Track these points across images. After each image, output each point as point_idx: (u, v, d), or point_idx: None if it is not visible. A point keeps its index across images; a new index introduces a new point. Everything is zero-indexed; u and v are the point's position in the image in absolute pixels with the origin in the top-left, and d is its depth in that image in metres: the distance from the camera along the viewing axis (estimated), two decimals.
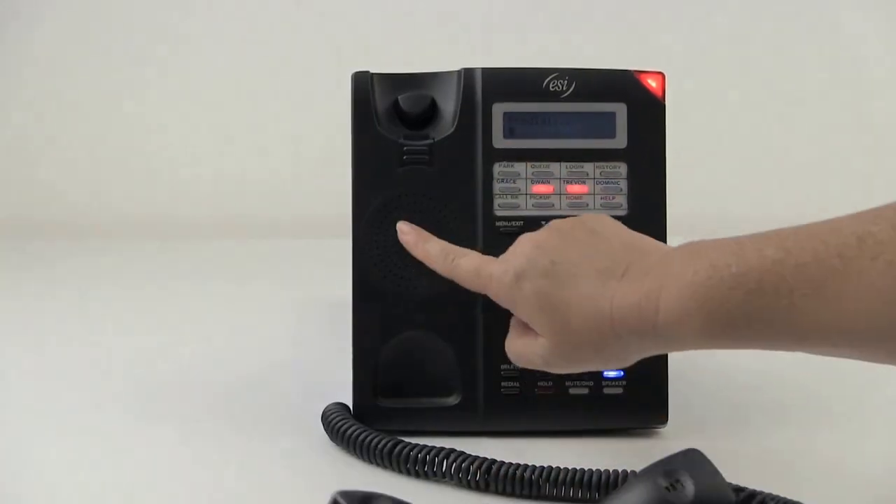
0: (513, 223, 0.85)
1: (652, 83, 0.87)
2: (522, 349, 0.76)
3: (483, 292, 0.78)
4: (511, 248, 0.77)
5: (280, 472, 0.78)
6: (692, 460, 0.62)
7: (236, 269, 1.74)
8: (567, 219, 0.77)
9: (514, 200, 0.85)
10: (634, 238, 0.74)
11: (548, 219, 0.85)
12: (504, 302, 0.76)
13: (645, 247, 0.72)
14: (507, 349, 0.79)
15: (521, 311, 0.74)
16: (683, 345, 0.68)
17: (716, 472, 0.62)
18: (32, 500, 0.74)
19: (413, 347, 0.85)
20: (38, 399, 0.98)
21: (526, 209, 0.86)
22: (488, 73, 0.86)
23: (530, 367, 0.77)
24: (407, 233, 0.83)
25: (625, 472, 0.72)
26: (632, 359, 0.71)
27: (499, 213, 0.85)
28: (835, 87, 2.22)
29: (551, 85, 0.86)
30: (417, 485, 0.76)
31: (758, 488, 0.71)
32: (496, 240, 0.85)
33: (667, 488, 0.59)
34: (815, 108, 2.21)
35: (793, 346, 0.64)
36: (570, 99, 0.86)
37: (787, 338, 0.64)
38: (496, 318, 0.84)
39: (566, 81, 0.86)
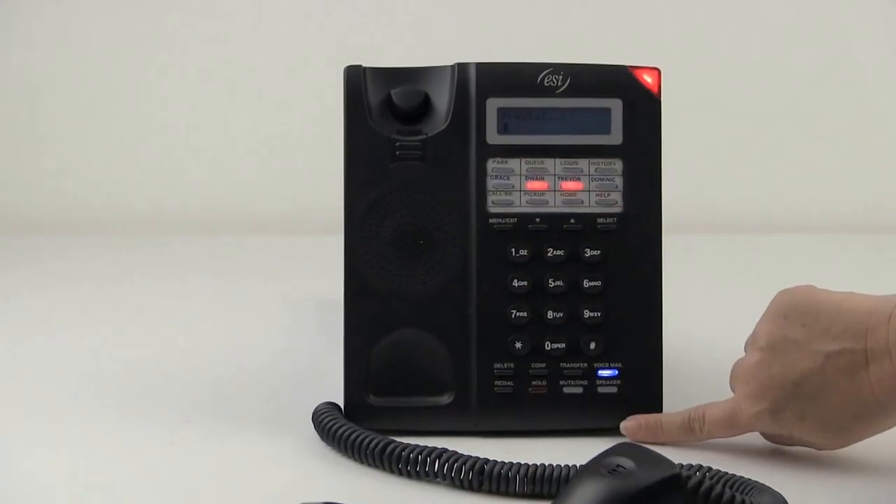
0: (506, 220, 0.84)
1: (647, 79, 0.86)
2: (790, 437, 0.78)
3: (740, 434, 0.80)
4: (742, 385, 0.78)
5: (270, 472, 0.78)
6: (626, 448, 0.64)
7: (226, 266, 1.73)
8: (763, 326, 0.78)
9: (507, 197, 0.85)
10: (834, 304, 0.74)
11: (542, 216, 0.84)
12: (770, 436, 0.79)
13: (854, 307, 0.72)
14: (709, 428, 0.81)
15: (789, 435, 0.77)
16: None
17: (653, 452, 0.63)
18: (18, 500, 0.73)
19: (405, 346, 0.84)
20: (20, 397, 0.97)
21: (520, 206, 0.85)
22: (482, 67, 0.85)
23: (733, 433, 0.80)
24: (634, 430, 0.83)
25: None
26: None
27: (492, 209, 0.84)
28: (832, 84, 2.22)
29: (546, 80, 0.85)
30: (409, 485, 0.75)
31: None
32: (489, 237, 0.84)
33: (610, 472, 0.60)
34: (811, 104, 2.21)
35: None
36: (564, 94, 0.85)
37: None
38: (490, 317, 0.84)
39: (561, 77, 0.85)
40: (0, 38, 2.30)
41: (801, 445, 0.78)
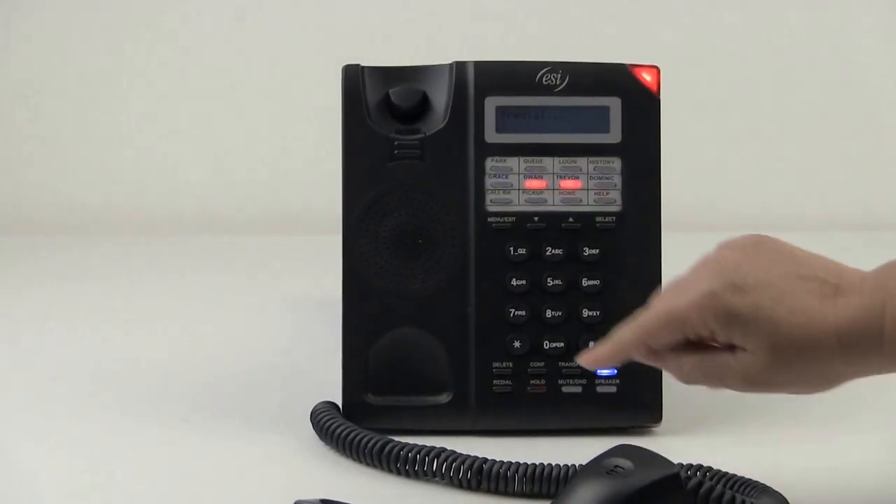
0: (505, 219, 0.84)
1: (646, 77, 0.86)
2: (714, 366, 0.68)
3: (682, 331, 0.68)
4: (689, 275, 0.68)
5: (268, 471, 0.77)
6: (626, 449, 0.64)
7: (224, 266, 1.73)
8: (736, 238, 0.71)
9: (506, 196, 0.84)
10: (818, 256, 0.69)
11: (541, 215, 0.84)
12: (703, 325, 0.67)
13: (837, 265, 0.67)
14: (686, 371, 0.70)
15: (727, 328, 0.66)
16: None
17: (653, 452, 0.63)
18: (16, 499, 0.73)
19: (404, 345, 0.84)
20: (20, 396, 0.97)
21: (518, 204, 0.84)
22: (480, 66, 0.85)
23: (720, 386, 0.69)
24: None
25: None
26: (841, 380, 0.67)
27: (491, 208, 0.84)
28: (833, 82, 2.21)
29: (544, 79, 0.85)
30: (407, 484, 0.74)
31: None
32: (488, 236, 0.84)
33: (609, 472, 0.60)
34: (812, 102, 2.20)
35: None
36: (563, 93, 0.85)
37: None
38: (488, 316, 0.84)
39: (559, 75, 0.85)
40: None
41: (722, 376, 0.69)
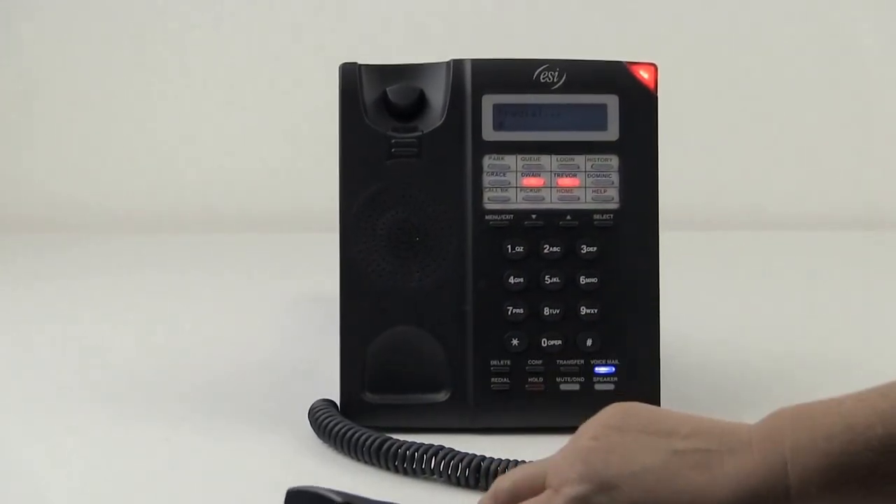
0: (503, 217, 0.84)
1: (644, 74, 0.86)
2: None
3: None
4: (553, 470, 0.60)
5: (265, 469, 0.77)
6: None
7: (222, 265, 1.73)
8: (598, 417, 0.62)
9: (503, 194, 0.84)
10: (693, 418, 0.61)
11: (538, 212, 0.84)
12: None
13: (715, 424, 0.60)
14: None
15: None
16: None
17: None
18: (13, 497, 0.73)
19: (402, 343, 0.84)
20: (17, 393, 0.97)
21: (516, 202, 0.84)
22: (478, 64, 0.85)
23: None
24: None
25: None
26: None
27: (488, 206, 0.84)
28: (830, 79, 2.21)
29: (542, 76, 0.85)
30: (405, 482, 0.74)
31: None
32: (485, 234, 0.84)
33: None
34: (809, 99, 2.20)
35: None
36: (560, 90, 0.85)
37: None
38: (486, 314, 0.84)
39: (557, 73, 0.85)
40: None
41: None
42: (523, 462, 0.72)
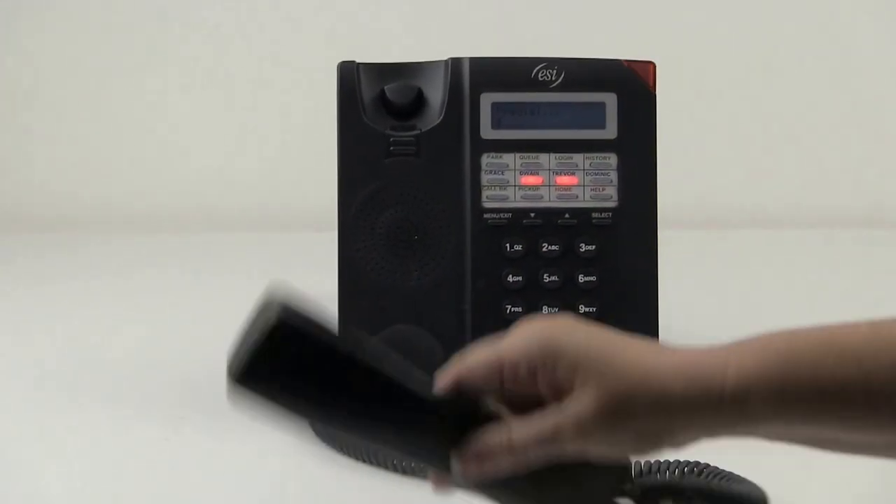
0: (501, 215, 0.84)
1: (642, 72, 0.85)
2: (545, 422, 0.56)
3: (500, 369, 0.58)
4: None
5: (263, 468, 0.77)
6: None
7: (221, 263, 1.73)
8: None
9: (502, 192, 0.84)
10: None
11: (537, 211, 0.84)
12: (525, 359, 0.57)
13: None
14: (518, 438, 0.56)
15: (552, 360, 0.57)
16: (750, 413, 0.55)
17: None
18: (15, 495, 0.73)
19: (400, 342, 0.84)
20: (17, 392, 0.96)
21: (514, 201, 0.84)
22: (476, 62, 0.85)
23: (557, 448, 0.56)
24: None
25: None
26: (682, 436, 0.56)
27: (487, 204, 0.84)
28: (830, 76, 2.21)
29: (540, 74, 0.85)
30: (405, 481, 0.74)
31: (766, 488, 0.70)
32: (484, 232, 0.83)
33: None
34: (809, 96, 2.20)
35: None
36: (559, 89, 0.85)
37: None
38: (485, 312, 0.83)
39: (555, 71, 0.85)
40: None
41: (556, 430, 0.56)
42: None
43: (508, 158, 0.85)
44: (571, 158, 0.85)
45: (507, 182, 0.84)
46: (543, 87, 0.85)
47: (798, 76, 2.21)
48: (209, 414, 0.88)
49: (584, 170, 0.85)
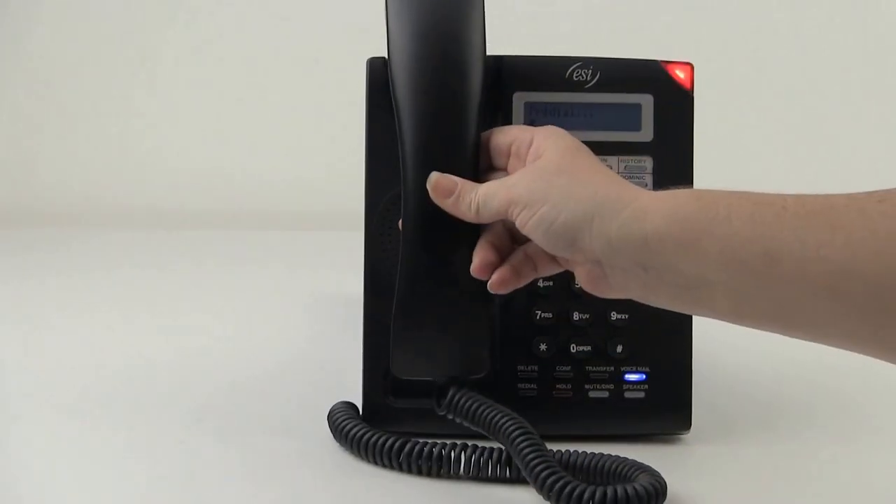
0: None
1: (680, 74, 0.83)
2: (499, 180, 0.71)
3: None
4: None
5: (281, 473, 0.75)
6: None
7: (246, 262, 1.72)
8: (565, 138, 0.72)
9: None
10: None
11: None
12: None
13: None
14: (480, 194, 0.71)
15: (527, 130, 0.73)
16: (648, 233, 0.62)
17: None
18: (24, 497, 0.72)
19: None
20: (29, 391, 0.96)
21: None
22: (509, 61, 0.83)
23: (494, 204, 0.69)
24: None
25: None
26: (589, 250, 0.65)
27: None
28: (871, 77, 2.18)
29: (575, 74, 0.83)
30: (428, 483, 0.73)
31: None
32: None
33: None
34: (851, 99, 2.17)
35: (765, 266, 0.58)
36: (594, 89, 0.83)
37: (758, 254, 0.58)
38: (514, 318, 0.82)
39: (590, 71, 0.83)
40: (6, 31, 2.30)
41: (500, 186, 0.70)
42: (540, 447, 0.70)
43: None
44: (606, 161, 0.83)
45: None
46: (578, 87, 0.83)
47: (843, 75, 2.18)
48: (225, 416, 0.87)
49: (618, 173, 0.83)
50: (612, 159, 0.83)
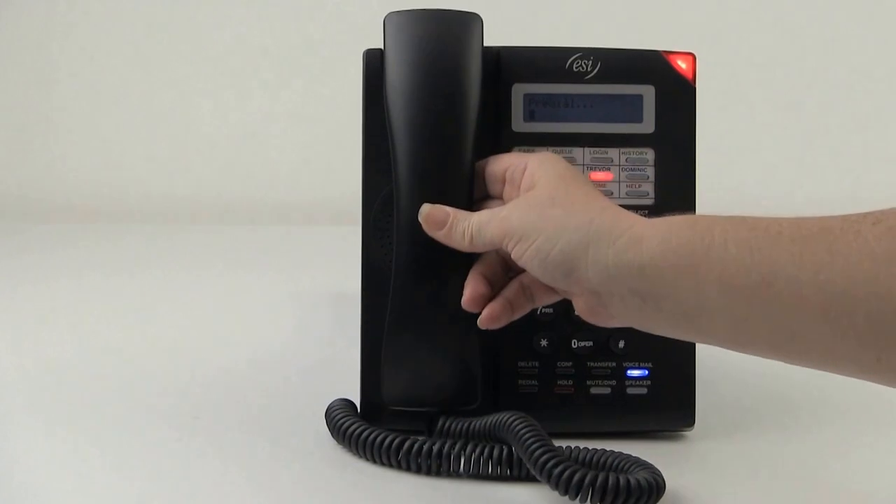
0: None
1: (682, 64, 0.82)
2: (493, 209, 0.71)
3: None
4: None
5: (279, 471, 0.74)
6: None
7: (242, 257, 1.71)
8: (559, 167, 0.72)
9: None
10: None
11: None
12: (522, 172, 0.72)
13: None
14: (474, 223, 0.71)
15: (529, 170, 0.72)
16: (644, 261, 0.62)
17: None
18: (19, 496, 0.71)
19: None
20: (26, 389, 0.95)
21: None
22: (508, 52, 0.82)
23: (488, 228, 0.70)
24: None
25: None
26: (590, 260, 0.64)
27: None
28: (875, 69, 2.17)
29: (575, 65, 0.82)
30: (427, 482, 0.72)
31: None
32: None
33: None
34: (853, 89, 2.16)
35: (763, 292, 0.58)
36: (594, 80, 0.82)
37: (756, 280, 0.58)
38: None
39: (591, 62, 0.82)
40: (14, 24, 2.29)
41: (492, 216, 0.70)
42: (539, 433, 0.70)
43: (541, 152, 0.81)
44: (606, 153, 0.82)
45: None
46: (578, 78, 0.82)
47: (844, 66, 2.17)
48: (223, 414, 0.86)
49: (619, 165, 0.82)
50: (614, 151, 0.82)
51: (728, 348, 0.62)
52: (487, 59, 0.80)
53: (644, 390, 0.81)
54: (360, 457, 0.75)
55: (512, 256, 0.68)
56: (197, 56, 2.26)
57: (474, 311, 0.72)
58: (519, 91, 0.81)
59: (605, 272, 0.63)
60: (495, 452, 0.72)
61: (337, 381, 0.86)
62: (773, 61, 2.17)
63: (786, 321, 0.57)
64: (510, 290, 0.73)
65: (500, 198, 0.74)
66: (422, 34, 0.78)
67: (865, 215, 0.56)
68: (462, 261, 0.73)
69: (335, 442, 0.78)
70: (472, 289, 0.72)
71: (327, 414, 0.79)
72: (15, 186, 2.19)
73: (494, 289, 0.73)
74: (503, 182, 0.74)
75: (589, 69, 0.82)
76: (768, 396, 0.95)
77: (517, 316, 0.73)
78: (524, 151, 0.81)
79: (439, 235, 0.72)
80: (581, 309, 0.68)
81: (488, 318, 0.72)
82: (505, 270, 0.74)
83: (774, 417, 0.89)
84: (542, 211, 0.67)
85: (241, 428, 0.83)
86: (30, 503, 0.70)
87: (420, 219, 0.73)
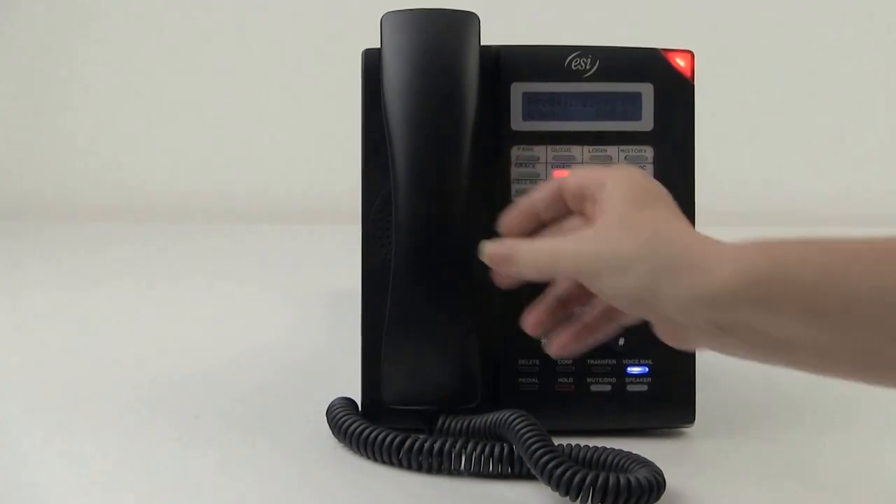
0: None
1: (680, 62, 0.82)
2: (558, 238, 0.68)
3: (560, 192, 0.71)
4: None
5: (280, 470, 0.75)
6: None
7: (242, 256, 1.71)
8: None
9: (532, 186, 0.81)
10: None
11: None
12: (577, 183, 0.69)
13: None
14: (536, 249, 0.68)
15: (596, 174, 0.69)
16: (716, 292, 0.59)
17: None
18: (20, 495, 0.71)
19: None
20: (26, 388, 0.95)
21: None
22: (507, 50, 0.82)
23: (549, 258, 0.67)
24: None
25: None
26: (663, 293, 0.62)
27: (516, 199, 0.81)
28: (873, 64, 2.17)
29: (573, 64, 0.82)
30: (428, 480, 0.72)
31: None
32: None
33: None
34: (853, 88, 2.16)
35: (844, 315, 0.56)
36: (593, 79, 0.82)
37: (838, 305, 0.56)
38: (514, 311, 0.80)
39: (589, 60, 0.82)
40: (15, 21, 2.29)
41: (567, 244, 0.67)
42: (540, 432, 0.70)
43: (540, 151, 0.82)
44: (605, 151, 0.82)
45: (538, 176, 0.81)
46: (577, 76, 0.82)
47: (845, 65, 2.17)
48: (222, 412, 0.87)
49: (618, 163, 0.82)
50: (613, 149, 0.82)
51: (814, 373, 0.61)
52: (486, 57, 0.80)
53: (644, 387, 0.82)
54: (361, 455, 0.75)
55: (588, 289, 0.66)
56: (197, 55, 2.26)
57: (534, 335, 0.73)
58: (518, 90, 0.81)
59: (680, 306, 0.61)
60: (496, 450, 0.72)
61: (337, 380, 0.86)
62: (773, 59, 2.17)
63: (868, 344, 0.56)
64: (589, 314, 0.72)
65: (582, 213, 0.70)
66: (418, 33, 0.78)
67: None
68: (462, 260, 0.73)
69: (335, 440, 0.78)
70: (534, 316, 0.73)
71: (328, 412, 0.79)
72: (15, 186, 2.19)
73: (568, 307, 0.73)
74: (583, 198, 0.70)
75: (587, 67, 0.82)
76: (769, 393, 0.95)
77: (602, 337, 0.72)
78: (523, 150, 0.81)
79: (512, 272, 0.69)
80: (661, 334, 0.66)
81: (559, 346, 0.72)
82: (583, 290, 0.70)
83: (775, 414, 0.89)
84: (611, 243, 0.64)
85: (241, 427, 0.83)
86: (30, 502, 0.70)
87: (483, 260, 0.70)
